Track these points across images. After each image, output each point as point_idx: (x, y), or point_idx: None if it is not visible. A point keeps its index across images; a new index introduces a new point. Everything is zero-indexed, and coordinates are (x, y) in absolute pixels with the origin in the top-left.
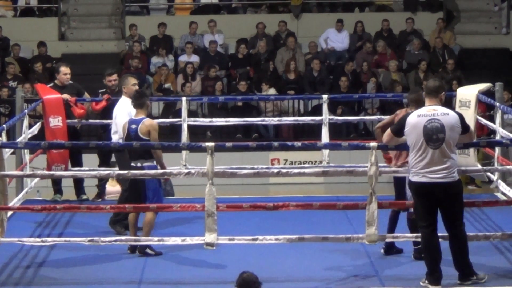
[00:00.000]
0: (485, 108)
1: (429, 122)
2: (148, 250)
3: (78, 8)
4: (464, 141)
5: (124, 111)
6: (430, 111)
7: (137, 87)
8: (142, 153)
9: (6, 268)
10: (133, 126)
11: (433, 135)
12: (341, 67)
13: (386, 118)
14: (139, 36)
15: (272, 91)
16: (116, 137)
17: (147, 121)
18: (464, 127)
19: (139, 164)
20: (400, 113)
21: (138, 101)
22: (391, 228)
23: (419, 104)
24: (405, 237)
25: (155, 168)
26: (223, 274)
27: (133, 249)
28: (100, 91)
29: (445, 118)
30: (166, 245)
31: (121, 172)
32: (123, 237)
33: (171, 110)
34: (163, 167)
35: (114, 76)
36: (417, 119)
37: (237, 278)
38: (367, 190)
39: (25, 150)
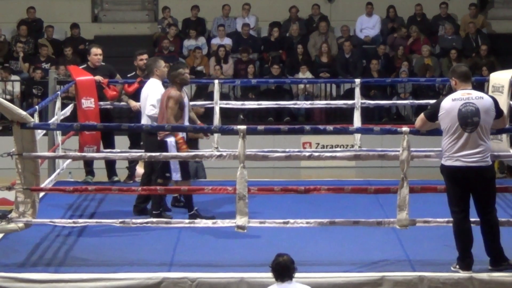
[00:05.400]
0: None
1: (464, 106)
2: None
3: None
4: (498, 126)
5: (157, 92)
6: (464, 95)
7: (167, 69)
8: None
9: (37, 249)
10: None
11: (468, 119)
12: (373, 50)
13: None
14: (172, 18)
15: (308, 74)
16: (145, 118)
17: None
18: (498, 111)
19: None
20: None
21: None
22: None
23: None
24: (436, 221)
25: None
26: (254, 257)
27: None
28: (129, 75)
29: (480, 102)
30: (197, 228)
31: (153, 154)
32: (154, 219)
33: (204, 92)
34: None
35: (145, 56)
36: (451, 103)
37: (273, 260)
38: (399, 174)
39: (58, 132)
